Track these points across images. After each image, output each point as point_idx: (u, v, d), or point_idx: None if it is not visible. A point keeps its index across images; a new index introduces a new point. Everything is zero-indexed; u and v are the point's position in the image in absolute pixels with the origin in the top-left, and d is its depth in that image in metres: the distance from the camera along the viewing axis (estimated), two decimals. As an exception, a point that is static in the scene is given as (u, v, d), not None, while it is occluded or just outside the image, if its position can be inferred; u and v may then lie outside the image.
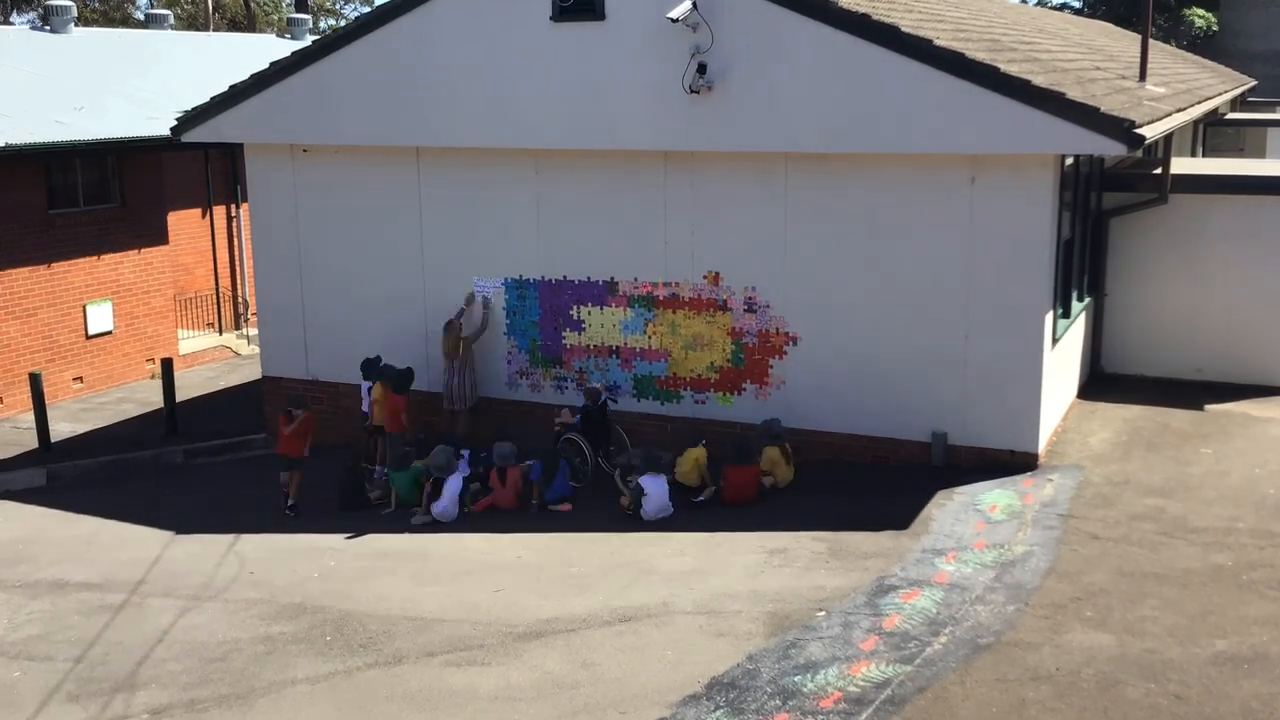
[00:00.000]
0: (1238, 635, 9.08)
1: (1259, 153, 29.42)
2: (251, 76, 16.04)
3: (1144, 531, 11.23)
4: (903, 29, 12.63)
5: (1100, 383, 16.22)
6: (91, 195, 20.61)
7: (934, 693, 8.36)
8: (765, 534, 11.99)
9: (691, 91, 13.44)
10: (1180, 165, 17.08)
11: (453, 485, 13.53)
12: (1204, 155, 27.45)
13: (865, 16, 12.75)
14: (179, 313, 22.88)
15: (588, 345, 15.29)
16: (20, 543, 13.63)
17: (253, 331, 23.52)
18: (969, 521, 11.80)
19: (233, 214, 24.76)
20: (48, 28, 25.82)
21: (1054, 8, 52.56)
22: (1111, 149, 12.09)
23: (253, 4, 53.73)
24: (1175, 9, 50.78)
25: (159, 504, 14.95)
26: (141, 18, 44.42)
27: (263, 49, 26.90)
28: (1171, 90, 18.50)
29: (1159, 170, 16.14)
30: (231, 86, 16.20)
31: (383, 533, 13.23)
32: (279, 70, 15.82)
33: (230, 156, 23.66)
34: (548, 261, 15.28)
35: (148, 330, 21.55)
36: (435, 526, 13.36)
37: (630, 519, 12.85)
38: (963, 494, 12.59)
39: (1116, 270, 16.26)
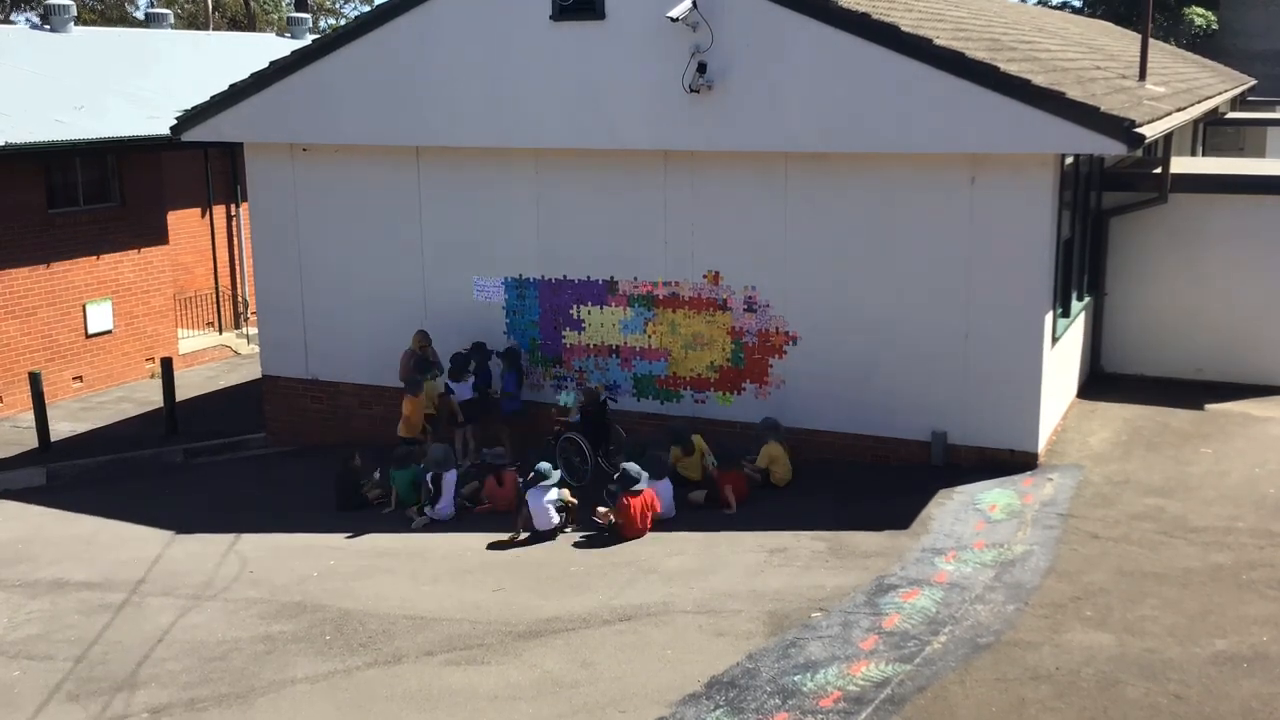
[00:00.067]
0: (1237, 635, 9.08)
1: (1259, 152, 29.41)
2: (251, 76, 16.04)
3: (1144, 531, 11.23)
4: (902, 28, 12.63)
5: (1100, 382, 16.22)
6: (91, 195, 20.62)
7: (933, 692, 8.36)
8: (765, 533, 12.00)
9: (691, 91, 13.43)
10: (1180, 165, 17.06)
11: (449, 480, 13.54)
12: (1204, 155, 27.44)
13: (865, 16, 12.75)
14: (179, 312, 22.89)
15: (588, 345, 15.29)
16: (20, 542, 13.63)
17: (252, 331, 23.52)
18: (969, 521, 11.80)
19: (232, 213, 24.77)
20: (47, 27, 25.83)
21: (1054, 7, 52.54)
22: (1111, 148, 12.08)
23: (253, 3, 53.72)
24: (1175, 8, 50.75)
25: (159, 503, 14.95)
26: (141, 17, 44.42)
27: (263, 48, 26.91)
28: (1171, 89, 18.49)
29: (1159, 170, 16.13)
30: (231, 86, 16.20)
31: (382, 532, 13.23)
32: (279, 69, 15.81)
33: (230, 156, 23.66)
34: (548, 261, 15.28)
35: (147, 330, 21.55)
36: (435, 526, 13.36)
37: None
38: (962, 493, 12.59)
39: (1116, 270, 16.26)
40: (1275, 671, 8.51)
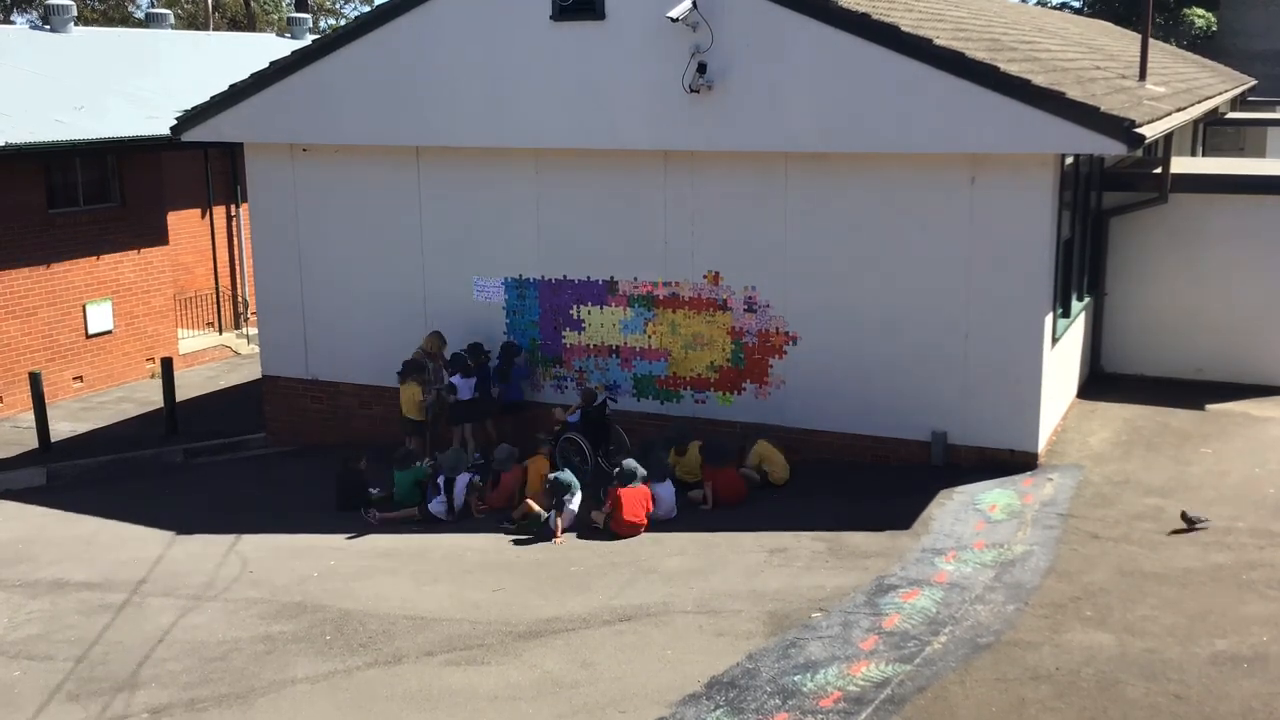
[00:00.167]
0: (1237, 635, 9.09)
1: (1259, 152, 29.41)
2: (251, 76, 16.03)
3: (1144, 531, 11.24)
4: (902, 28, 12.63)
5: (1100, 382, 16.22)
6: (91, 195, 20.61)
7: (934, 692, 8.36)
8: (765, 533, 12.00)
9: (691, 91, 13.43)
10: (1180, 165, 17.07)
11: (462, 483, 13.55)
12: (1204, 155, 27.44)
13: (865, 16, 12.75)
14: (179, 312, 22.88)
15: (588, 345, 15.29)
16: (20, 542, 13.63)
17: (253, 331, 23.52)
18: (969, 521, 11.80)
19: (232, 213, 24.76)
20: (48, 27, 25.82)
21: (1054, 7, 52.54)
22: (1111, 148, 12.09)
23: (253, 3, 53.72)
24: (1175, 8, 50.77)
25: (159, 504, 14.94)
26: (141, 17, 44.41)
27: (263, 48, 26.90)
28: (1171, 90, 18.49)
29: (1159, 170, 16.14)
30: (231, 86, 16.20)
31: (383, 532, 13.23)
32: (279, 70, 15.81)
33: (230, 156, 23.65)
34: (548, 261, 15.28)
35: (147, 330, 21.55)
36: (435, 526, 13.36)
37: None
38: (962, 493, 12.59)
39: (1116, 270, 16.26)
40: (1275, 671, 8.51)
